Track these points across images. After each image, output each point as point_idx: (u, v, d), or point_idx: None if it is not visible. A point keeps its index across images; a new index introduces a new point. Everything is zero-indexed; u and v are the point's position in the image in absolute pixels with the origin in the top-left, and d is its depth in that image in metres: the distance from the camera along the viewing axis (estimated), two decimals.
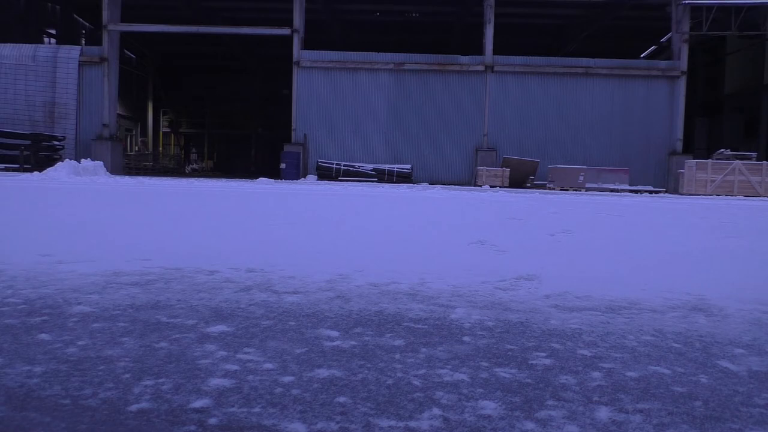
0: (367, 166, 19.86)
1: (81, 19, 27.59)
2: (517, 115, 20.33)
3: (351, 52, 20.95)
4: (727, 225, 5.69)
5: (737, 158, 16.93)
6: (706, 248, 3.86)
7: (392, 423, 1.09)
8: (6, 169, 17.13)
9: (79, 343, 1.53)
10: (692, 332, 1.82)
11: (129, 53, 30.25)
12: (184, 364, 1.39)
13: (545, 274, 2.71)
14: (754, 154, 17.64)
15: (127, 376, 1.30)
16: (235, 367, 1.37)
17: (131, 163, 26.95)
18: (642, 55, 28.64)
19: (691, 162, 17.03)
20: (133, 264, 2.68)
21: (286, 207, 6.59)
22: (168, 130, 37.51)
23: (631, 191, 17.26)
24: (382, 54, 20.71)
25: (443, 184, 17.47)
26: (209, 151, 38.72)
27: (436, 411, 1.15)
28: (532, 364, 1.47)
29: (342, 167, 19.68)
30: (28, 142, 18.48)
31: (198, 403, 1.16)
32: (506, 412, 1.16)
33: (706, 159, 17.60)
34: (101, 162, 16.44)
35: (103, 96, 20.74)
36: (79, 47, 21.43)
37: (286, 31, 20.51)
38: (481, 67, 20.37)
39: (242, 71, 34.96)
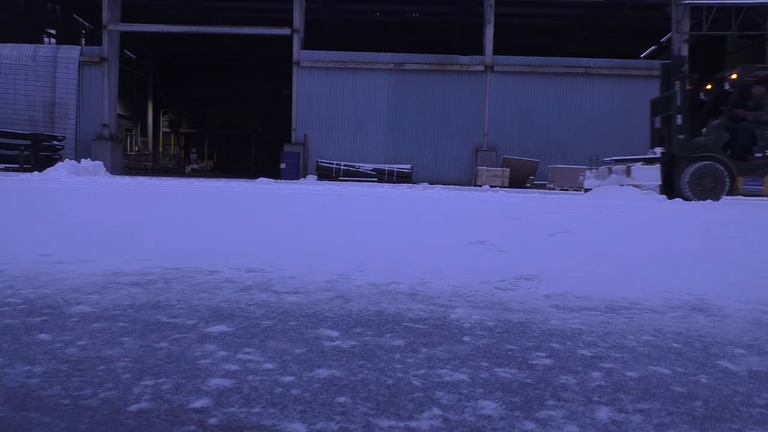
0: (367, 166, 19.85)
1: (81, 19, 27.60)
2: (517, 115, 20.33)
3: (351, 52, 20.96)
4: (727, 225, 5.69)
5: None
6: (706, 248, 3.86)
7: (392, 423, 1.09)
8: (6, 169, 17.13)
9: (79, 343, 1.53)
10: (692, 332, 1.82)
11: (129, 53, 30.25)
12: (184, 364, 1.39)
13: (545, 274, 2.71)
14: None
15: (127, 376, 1.30)
16: (235, 367, 1.37)
17: (131, 163, 26.96)
18: (642, 55, 28.64)
19: None
20: (133, 264, 2.68)
21: (285, 207, 6.60)
22: (168, 130, 37.53)
23: None
24: (382, 54, 20.71)
25: (443, 184, 17.48)
26: (209, 151, 38.74)
27: (436, 411, 1.15)
28: (532, 364, 1.47)
29: (342, 167, 19.68)
30: (28, 142, 18.48)
31: (198, 403, 1.16)
32: (506, 412, 1.16)
33: None
34: (101, 162, 16.44)
35: (103, 96, 20.75)
36: (79, 47, 21.44)
37: (286, 31, 20.51)
38: (481, 67, 20.36)
39: (242, 71, 34.98)
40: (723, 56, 25.43)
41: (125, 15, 21.39)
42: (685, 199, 10.38)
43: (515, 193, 12.08)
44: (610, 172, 11.48)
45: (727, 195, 10.58)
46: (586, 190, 12.42)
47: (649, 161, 11.42)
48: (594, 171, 12.31)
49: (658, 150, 11.28)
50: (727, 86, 10.79)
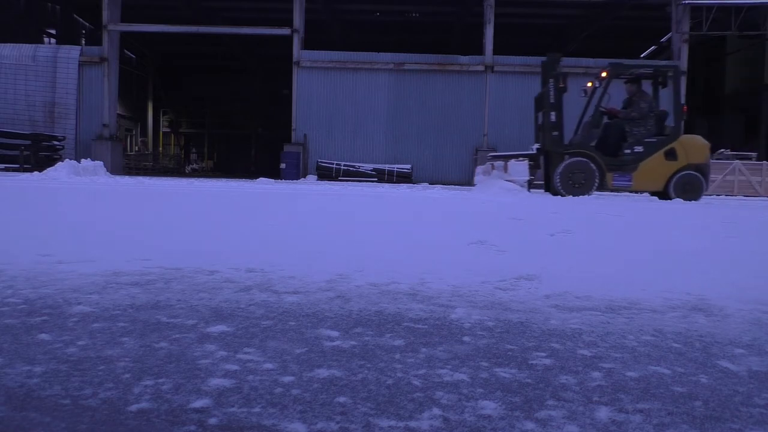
0: (367, 166, 19.84)
1: (81, 19, 27.60)
2: (517, 115, 20.31)
3: (351, 52, 20.94)
4: (727, 225, 5.69)
5: (737, 158, 16.93)
6: (706, 248, 3.86)
7: (392, 423, 1.09)
8: (6, 169, 17.12)
9: (79, 343, 1.53)
10: (692, 332, 1.82)
11: (129, 53, 30.24)
12: (184, 364, 1.39)
13: (545, 274, 2.71)
14: (754, 154, 17.65)
15: (127, 376, 1.30)
16: (235, 367, 1.37)
17: (131, 163, 26.96)
18: (642, 55, 28.63)
19: None
20: (133, 264, 2.68)
21: (285, 207, 6.60)
22: (168, 130, 37.51)
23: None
24: (382, 54, 20.69)
25: (443, 184, 17.48)
26: (209, 151, 38.72)
27: (436, 411, 1.15)
28: (532, 364, 1.47)
29: (342, 167, 19.67)
30: (28, 142, 18.46)
31: (198, 403, 1.16)
32: (506, 412, 1.16)
33: None
34: (101, 162, 16.43)
35: (103, 96, 20.73)
36: (79, 47, 21.43)
37: (286, 31, 20.50)
38: (481, 67, 20.35)
39: (242, 71, 34.97)
40: (723, 56, 25.43)
41: (125, 15, 21.38)
42: (558, 194, 10.82)
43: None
44: (493, 168, 11.84)
45: (597, 190, 11.02)
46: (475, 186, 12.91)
47: (524, 157, 11.91)
48: (482, 167, 12.56)
49: (536, 146, 11.70)
50: (597, 84, 11.15)
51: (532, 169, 11.68)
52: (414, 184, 18.13)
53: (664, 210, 7.59)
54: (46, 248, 2.99)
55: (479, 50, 20.53)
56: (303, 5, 20.34)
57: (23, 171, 16.42)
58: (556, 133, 11.06)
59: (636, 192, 11.59)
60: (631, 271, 2.88)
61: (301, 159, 20.01)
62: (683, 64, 19.57)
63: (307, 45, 20.63)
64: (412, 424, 1.09)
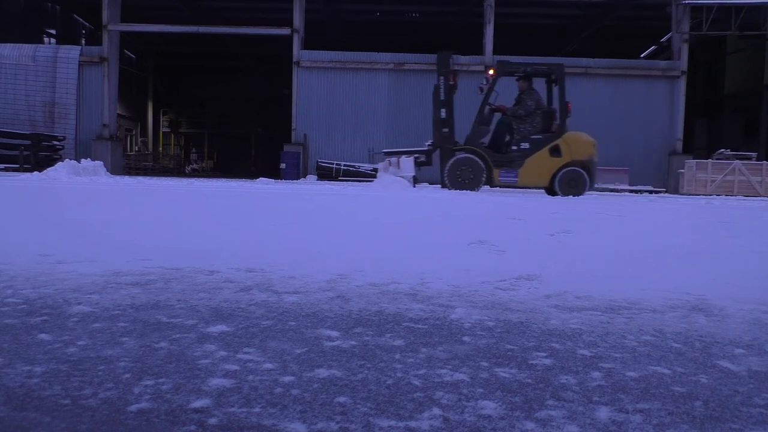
0: (367, 166, 19.82)
1: (81, 19, 27.58)
2: None
3: (351, 52, 20.92)
4: (727, 225, 5.69)
5: (737, 158, 16.92)
6: (706, 248, 3.86)
7: (392, 423, 1.09)
8: (6, 169, 17.11)
9: (79, 343, 1.53)
10: (692, 332, 1.82)
11: (129, 53, 30.22)
12: (184, 364, 1.39)
13: (545, 274, 2.71)
14: (754, 154, 17.63)
15: (127, 376, 1.30)
16: (235, 367, 1.37)
17: (131, 163, 26.93)
18: (642, 55, 28.61)
19: (691, 162, 17.02)
20: (133, 264, 2.68)
21: (285, 207, 6.59)
22: (168, 130, 37.46)
23: (631, 191, 17.24)
24: (382, 54, 20.67)
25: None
26: (209, 151, 38.67)
27: (436, 411, 1.15)
28: (532, 364, 1.47)
29: (342, 167, 19.65)
30: (28, 142, 18.44)
31: (198, 403, 1.16)
32: (506, 412, 1.16)
33: (706, 159, 17.59)
34: (101, 162, 16.40)
35: (103, 96, 20.71)
36: (79, 47, 21.40)
37: (286, 31, 20.49)
38: (481, 67, 20.30)
39: (242, 71, 34.93)
40: (723, 56, 25.41)
41: (125, 15, 21.36)
42: (447, 188, 11.14)
43: (514, 193, 12.08)
44: (390, 164, 12.18)
45: (484, 186, 11.31)
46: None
47: (418, 153, 12.17)
48: (382, 164, 12.88)
49: (428, 143, 11.93)
50: (484, 82, 11.32)
51: (423, 164, 11.98)
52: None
53: (663, 210, 7.59)
54: (46, 248, 2.99)
55: (479, 50, 20.51)
56: (303, 5, 20.33)
57: (23, 171, 16.41)
58: (446, 129, 11.32)
59: (523, 188, 11.90)
60: (631, 271, 2.88)
61: (301, 159, 19.99)
62: (683, 64, 19.55)
63: (307, 45, 20.61)
64: (412, 424, 1.09)
